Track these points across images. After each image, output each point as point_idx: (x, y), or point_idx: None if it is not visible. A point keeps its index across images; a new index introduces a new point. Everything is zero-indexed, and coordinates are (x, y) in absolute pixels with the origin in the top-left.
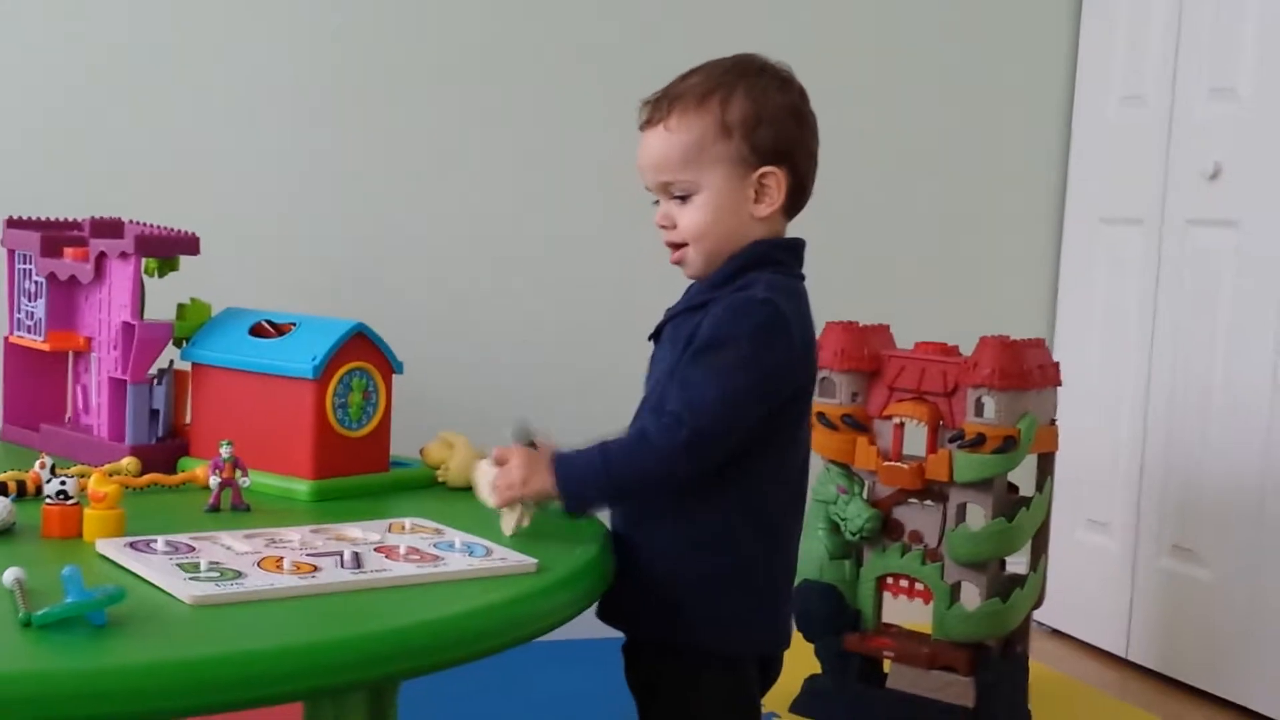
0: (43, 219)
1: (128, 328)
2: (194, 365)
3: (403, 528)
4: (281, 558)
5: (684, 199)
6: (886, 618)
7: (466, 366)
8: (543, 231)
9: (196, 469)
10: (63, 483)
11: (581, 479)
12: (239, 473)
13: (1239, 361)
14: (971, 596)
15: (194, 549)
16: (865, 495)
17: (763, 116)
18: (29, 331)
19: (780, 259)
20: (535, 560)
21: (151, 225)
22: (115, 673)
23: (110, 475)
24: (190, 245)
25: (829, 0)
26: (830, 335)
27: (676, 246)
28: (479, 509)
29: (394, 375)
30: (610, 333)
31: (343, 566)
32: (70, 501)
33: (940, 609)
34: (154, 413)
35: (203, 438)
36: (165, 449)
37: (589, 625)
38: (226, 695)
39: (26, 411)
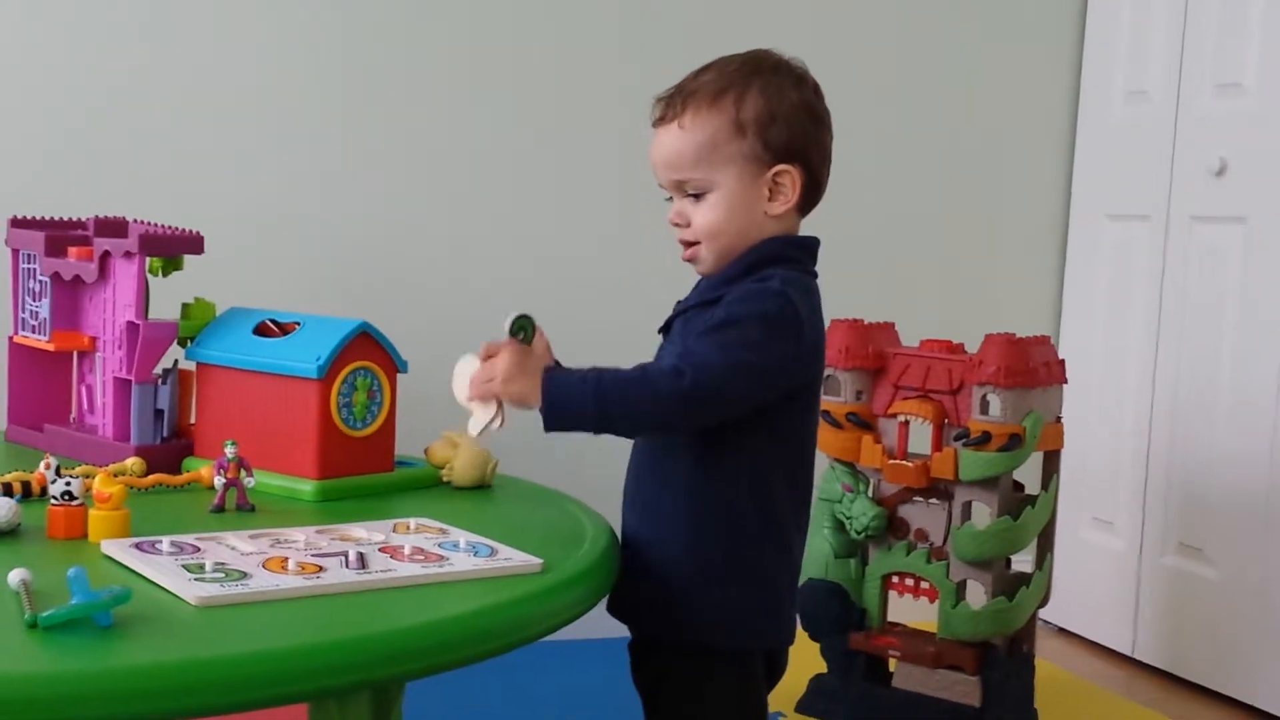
0: (47, 218)
1: (132, 327)
2: (198, 365)
3: (407, 528)
4: (286, 558)
5: (697, 197)
6: (892, 616)
7: None
8: (548, 228)
9: (201, 469)
10: (68, 483)
11: (568, 397)
12: (244, 473)
13: (1245, 358)
14: (977, 595)
15: (199, 549)
16: (870, 493)
17: (777, 114)
18: (33, 331)
19: (793, 256)
20: (540, 560)
21: (156, 224)
22: (121, 674)
23: (115, 476)
24: (194, 244)
25: None
26: (835, 333)
27: (689, 244)
28: (484, 509)
29: (398, 374)
30: (619, 329)
31: (347, 567)
32: (75, 502)
33: (946, 608)
34: (159, 413)
35: (207, 438)
36: (170, 449)
37: (594, 625)
38: (232, 696)
39: (31, 412)
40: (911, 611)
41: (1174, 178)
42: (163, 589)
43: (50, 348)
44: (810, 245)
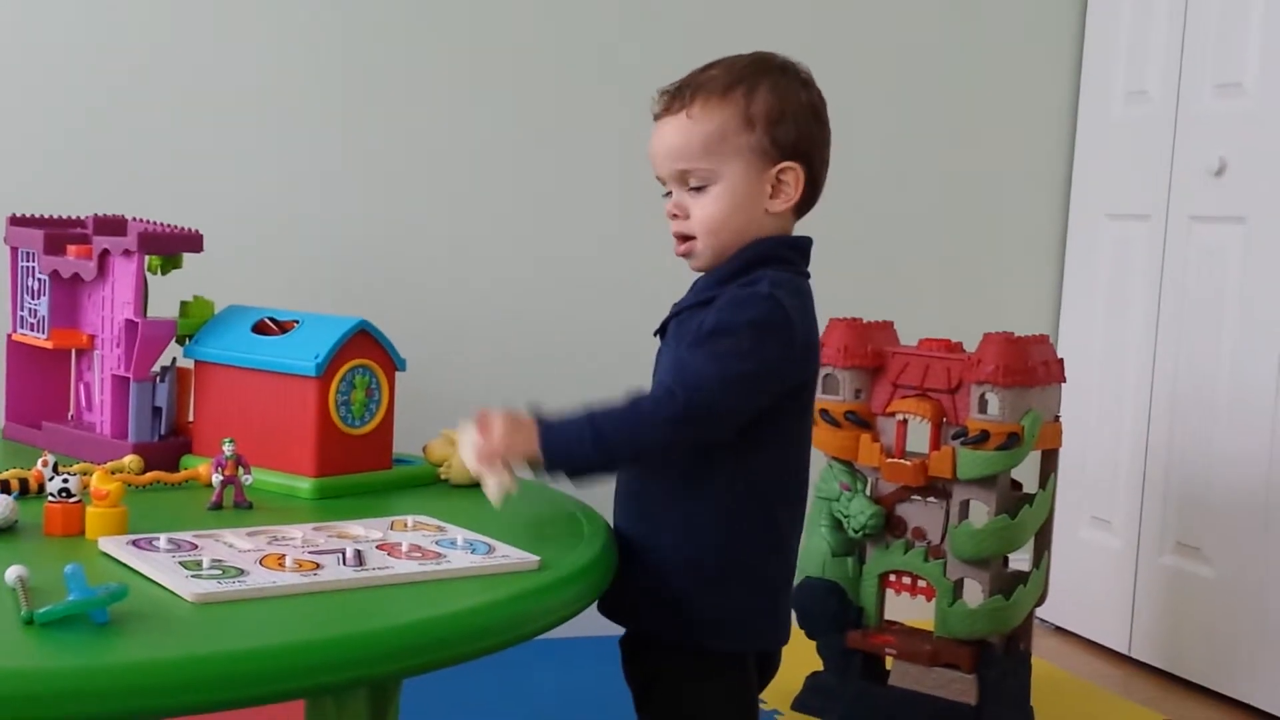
0: (46, 216)
1: (131, 325)
2: (197, 363)
3: (405, 525)
4: (284, 555)
5: (700, 189)
6: (889, 615)
7: (469, 364)
8: (545, 227)
9: (199, 466)
10: (65, 480)
11: (567, 444)
12: (241, 470)
13: (1244, 357)
14: (974, 593)
15: (196, 546)
16: (868, 492)
17: (785, 112)
18: (32, 329)
19: (787, 257)
20: (537, 558)
21: (155, 222)
22: (118, 670)
23: (113, 473)
24: (193, 243)
25: None
26: (834, 331)
27: (685, 238)
28: (481, 506)
29: (397, 372)
30: (616, 329)
31: (345, 564)
32: (73, 499)
33: (943, 606)
34: (157, 410)
35: (205, 435)
36: (168, 447)
37: (591, 623)
38: (229, 693)
39: (29, 409)
40: (909, 610)
41: (1173, 177)
42: (160, 586)
43: (49, 345)
44: (803, 246)
